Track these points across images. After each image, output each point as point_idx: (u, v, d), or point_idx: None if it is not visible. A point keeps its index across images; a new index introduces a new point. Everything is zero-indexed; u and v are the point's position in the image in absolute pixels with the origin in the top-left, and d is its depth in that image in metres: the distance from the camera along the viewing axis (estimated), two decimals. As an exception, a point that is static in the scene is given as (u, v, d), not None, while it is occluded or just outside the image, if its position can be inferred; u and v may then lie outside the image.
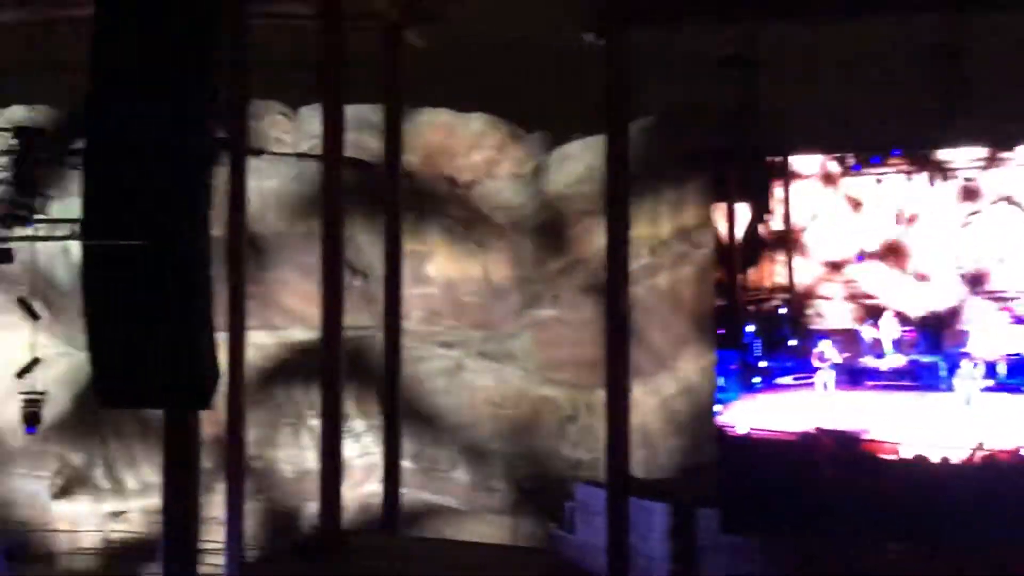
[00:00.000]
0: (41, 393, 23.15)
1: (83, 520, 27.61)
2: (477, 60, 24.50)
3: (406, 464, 25.21)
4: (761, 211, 23.71)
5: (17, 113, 27.41)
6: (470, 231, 28.20)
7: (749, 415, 20.00)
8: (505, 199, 28.34)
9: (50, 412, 24.19)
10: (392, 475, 21.83)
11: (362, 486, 26.12)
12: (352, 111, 22.66)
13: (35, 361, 23.08)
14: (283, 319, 27.72)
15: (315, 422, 24.38)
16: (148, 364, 12.26)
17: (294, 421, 27.86)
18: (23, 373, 23.15)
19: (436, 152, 28.23)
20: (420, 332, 27.37)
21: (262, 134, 27.60)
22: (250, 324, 19.15)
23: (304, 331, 26.70)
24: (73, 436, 27.98)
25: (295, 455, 27.59)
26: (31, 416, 22.86)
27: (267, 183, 27.19)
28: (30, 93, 26.84)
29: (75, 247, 23.77)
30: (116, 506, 27.67)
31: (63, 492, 27.88)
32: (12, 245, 22.48)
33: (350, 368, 23.19)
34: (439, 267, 28.15)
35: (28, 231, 22.43)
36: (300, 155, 27.50)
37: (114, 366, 12.42)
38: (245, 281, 18.53)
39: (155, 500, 25.09)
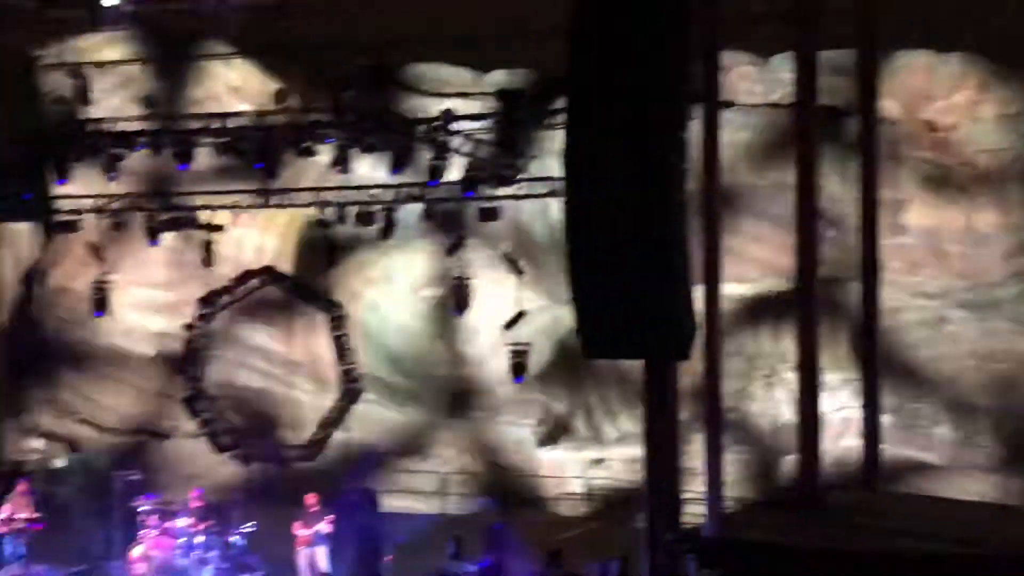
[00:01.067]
0: (526, 344, 24.24)
1: (566, 467, 28.65)
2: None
3: (885, 419, 24.53)
4: None
5: (498, 77, 28.63)
6: (951, 177, 27.03)
7: None
8: (989, 142, 26.95)
9: (534, 363, 25.27)
10: (871, 430, 21.26)
11: (839, 440, 25.65)
12: (824, 56, 22.14)
13: (520, 314, 24.20)
14: (755, 270, 27.61)
15: (789, 375, 24.17)
16: (629, 316, 12.50)
17: (768, 373, 27.73)
18: (509, 326, 24.34)
19: (914, 95, 27.21)
20: (898, 283, 26.51)
21: (732, 86, 27.50)
22: (724, 276, 19.10)
23: (776, 282, 26.49)
24: (555, 386, 29.06)
25: (770, 408, 27.49)
26: (518, 366, 23.98)
27: (738, 135, 27.10)
28: (510, 58, 27.89)
29: (554, 204, 24.67)
30: (597, 454, 28.51)
31: (547, 440, 28.99)
32: (497, 204, 23.68)
33: (824, 320, 22.80)
34: (917, 215, 27.16)
35: (511, 190, 23.57)
36: (771, 105, 27.22)
37: (597, 318, 12.74)
38: (720, 233, 18.49)
39: (634, 449, 25.72)
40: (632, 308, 12.34)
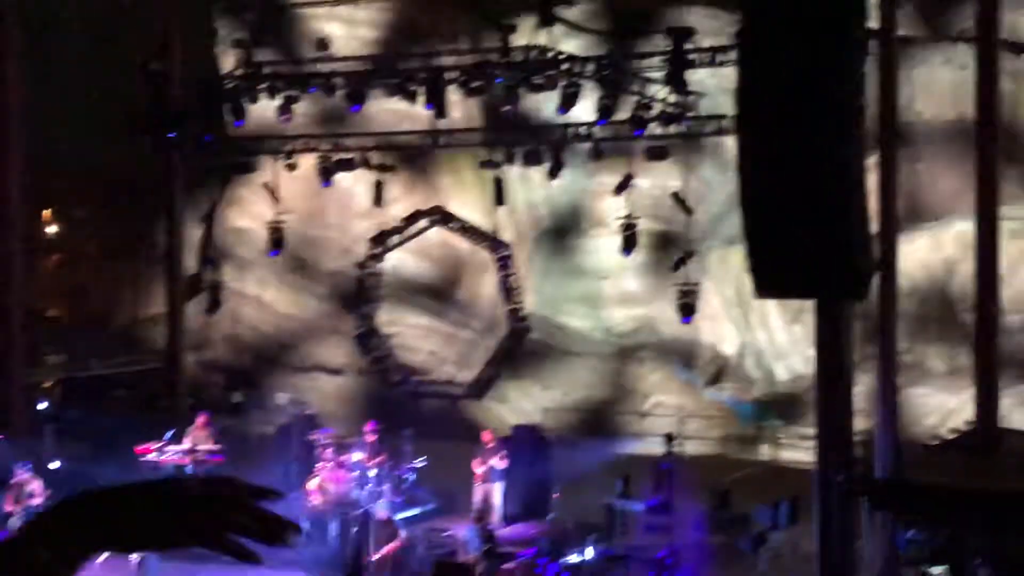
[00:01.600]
0: (694, 284, 24.13)
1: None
2: None
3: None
4: None
5: (670, 15, 28.33)
6: None
7: None
8: None
9: (702, 303, 25.13)
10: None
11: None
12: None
13: (688, 254, 24.06)
14: (932, 210, 27.01)
15: (966, 317, 23.65)
16: (805, 254, 12.37)
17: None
18: (677, 266, 24.23)
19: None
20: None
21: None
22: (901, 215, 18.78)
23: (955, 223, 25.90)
24: (724, 326, 28.89)
25: (946, 351, 26.92)
26: (686, 307, 23.88)
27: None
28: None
29: (725, 142, 24.41)
30: (766, 395, 28.33)
31: (715, 380, 28.87)
32: (666, 142, 23.54)
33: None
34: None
35: (681, 128, 23.39)
36: (954, 39, 26.46)
37: (771, 257, 12.64)
38: (897, 172, 18.14)
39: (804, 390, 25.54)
40: (807, 246, 12.20)
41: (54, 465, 24.84)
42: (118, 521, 1.94)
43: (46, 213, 34.34)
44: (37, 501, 21.64)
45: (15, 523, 21.34)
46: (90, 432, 27.42)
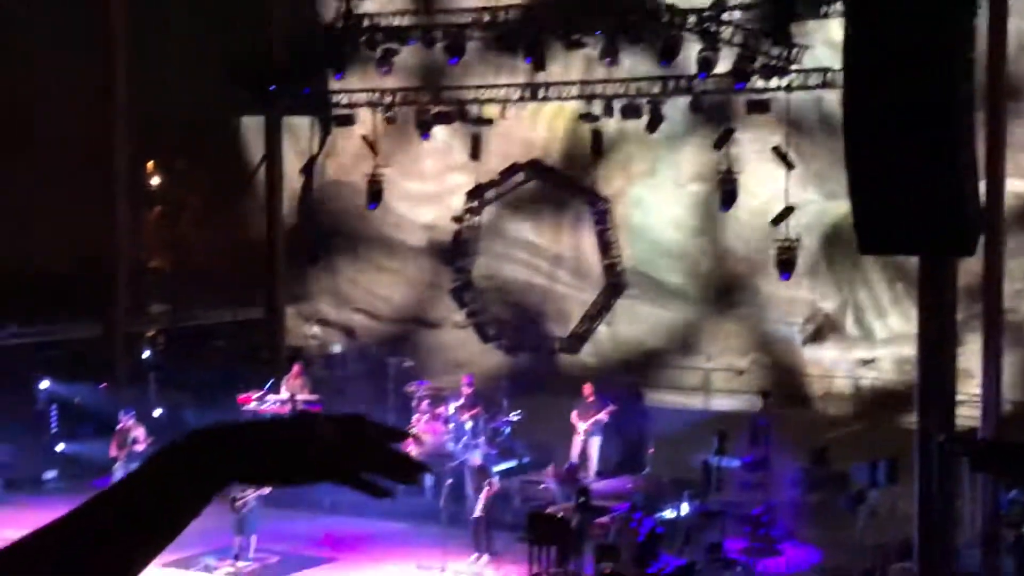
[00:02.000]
0: (795, 240, 23.84)
1: (834, 365, 28.23)
2: None
3: None
4: None
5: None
6: None
7: None
8: None
9: (803, 259, 24.85)
10: None
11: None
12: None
13: (789, 209, 23.75)
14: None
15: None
16: (910, 210, 12.16)
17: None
18: (777, 221, 23.93)
19: None
20: None
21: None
22: (1008, 171, 18.35)
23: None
24: (823, 283, 28.56)
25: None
26: (785, 262, 23.62)
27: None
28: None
29: (828, 96, 24.03)
30: (866, 353, 27.97)
31: (814, 338, 28.58)
32: (768, 96, 23.22)
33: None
34: None
35: (782, 81, 23.06)
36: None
37: (876, 212, 12.44)
38: (1005, 128, 17.74)
39: (904, 349, 25.16)
40: (913, 202, 11.99)
41: (157, 413, 25.31)
42: (253, 454, 1.96)
43: (149, 165, 34.82)
44: (140, 447, 22.09)
45: (119, 468, 21.81)
46: (191, 381, 27.89)
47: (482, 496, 19.20)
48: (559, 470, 20.18)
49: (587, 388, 22.13)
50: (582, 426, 21.80)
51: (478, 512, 19.12)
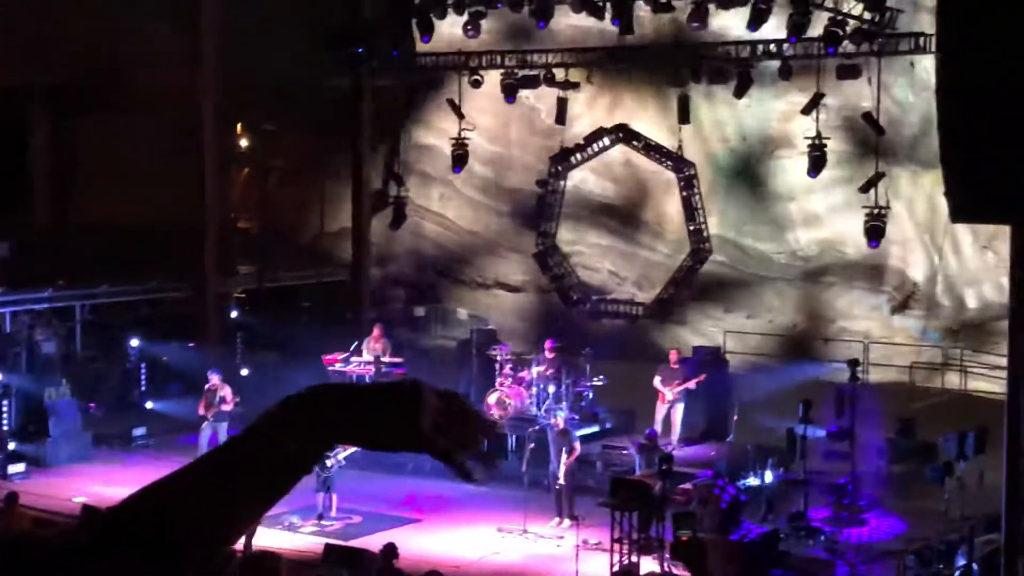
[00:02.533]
0: (884, 207, 23.53)
1: (922, 335, 27.89)
2: None
3: None
4: None
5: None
6: None
7: None
8: None
9: (891, 227, 24.52)
10: None
11: None
12: None
13: (878, 176, 23.45)
14: None
15: None
16: (1005, 178, 11.89)
17: None
18: (866, 188, 23.65)
19: None
20: None
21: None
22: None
23: None
24: (912, 251, 28.17)
25: None
26: (874, 230, 23.32)
27: None
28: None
29: (922, 61, 23.65)
30: (955, 323, 27.59)
31: (901, 307, 28.23)
32: (859, 60, 22.90)
33: None
34: None
35: (875, 46, 22.71)
36: None
37: (969, 179, 12.18)
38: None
39: (994, 321, 24.80)
40: (1008, 169, 11.72)
41: (244, 372, 25.63)
42: (366, 418, 1.99)
43: (238, 127, 35.13)
44: (228, 407, 22.37)
45: (206, 427, 22.13)
46: (277, 341, 28.19)
47: (564, 461, 19.24)
48: (642, 436, 20.11)
49: (673, 354, 22.03)
50: (668, 393, 21.71)
51: (560, 477, 19.17)
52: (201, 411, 22.33)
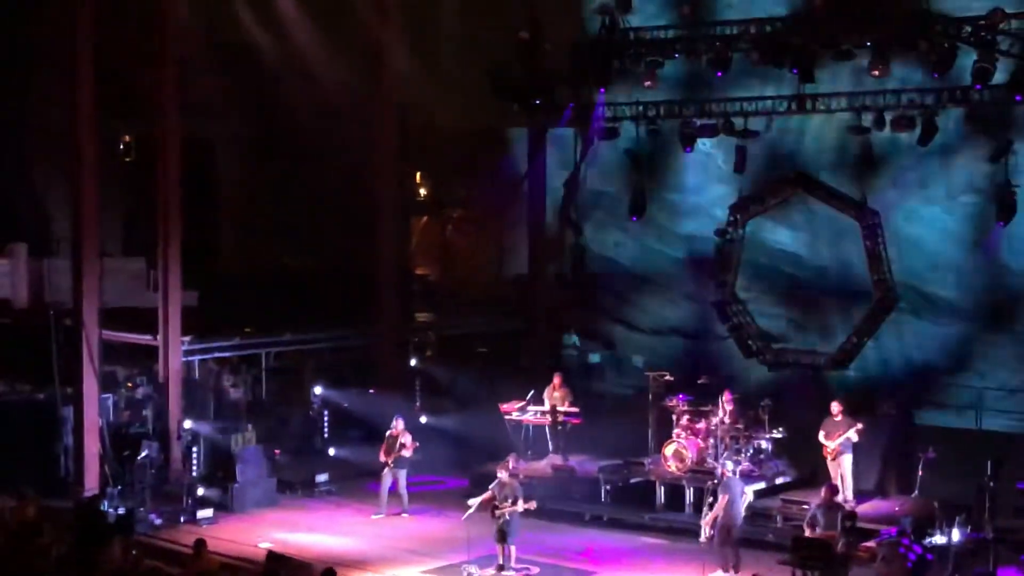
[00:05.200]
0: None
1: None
2: None
3: None
4: None
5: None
6: None
7: None
8: None
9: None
10: None
11: None
12: None
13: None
14: None
15: None
16: None
17: None
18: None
19: None
20: None
21: None
22: None
23: None
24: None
25: None
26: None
27: None
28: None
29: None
30: None
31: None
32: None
33: None
34: None
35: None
36: None
37: None
38: None
39: None
40: None
41: (423, 419, 25.95)
42: None
43: (417, 175, 35.71)
44: (407, 453, 22.69)
45: (387, 474, 22.45)
46: (455, 389, 28.49)
47: (734, 512, 18.98)
48: (821, 492, 19.71)
49: (835, 406, 21.56)
50: (830, 445, 21.29)
51: (726, 528, 18.91)
52: (382, 457, 22.67)
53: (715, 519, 19.09)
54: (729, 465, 20.01)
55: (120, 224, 31.24)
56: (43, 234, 29.26)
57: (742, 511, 19.23)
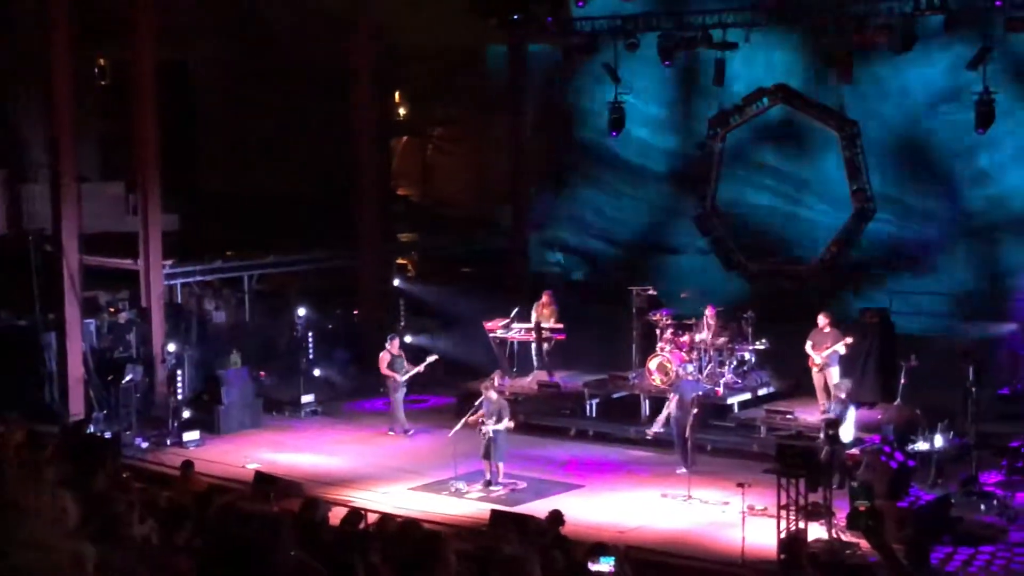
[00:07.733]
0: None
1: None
2: None
3: None
4: None
5: None
6: None
7: None
8: None
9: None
10: None
11: None
12: None
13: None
14: None
15: None
16: None
17: None
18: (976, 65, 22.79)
19: None
20: None
21: None
22: None
23: None
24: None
25: None
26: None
27: None
28: None
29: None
30: None
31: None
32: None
33: None
34: None
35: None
36: None
37: None
38: None
39: None
40: None
41: (408, 339, 25.98)
42: None
43: (396, 94, 35.45)
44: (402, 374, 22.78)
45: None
46: (439, 308, 28.50)
47: (691, 416, 19.26)
48: (804, 400, 19.88)
49: (822, 318, 21.65)
50: (817, 357, 21.41)
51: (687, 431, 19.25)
52: (389, 372, 22.70)
53: (667, 418, 19.94)
54: (689, 368, 20.69)
55: (97, 149, 30.98)
56: (20, 160, 29.01)
57: (692, 411, 19.45)
